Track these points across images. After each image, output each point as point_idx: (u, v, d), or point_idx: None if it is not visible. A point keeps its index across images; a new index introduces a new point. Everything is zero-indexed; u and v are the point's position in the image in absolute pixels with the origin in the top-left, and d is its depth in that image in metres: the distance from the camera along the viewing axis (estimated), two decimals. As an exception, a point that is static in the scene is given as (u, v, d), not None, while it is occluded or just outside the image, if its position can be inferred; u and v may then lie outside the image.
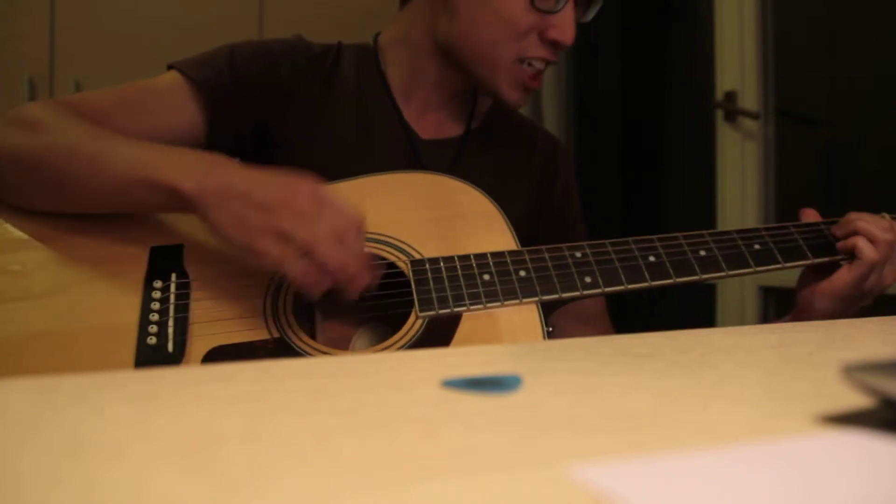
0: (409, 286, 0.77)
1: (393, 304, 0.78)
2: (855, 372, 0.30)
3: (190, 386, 0.39)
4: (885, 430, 0.29)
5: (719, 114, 1.99)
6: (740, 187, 1.94)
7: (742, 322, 1.83)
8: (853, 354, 0.46)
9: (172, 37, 1.97)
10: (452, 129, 0.98)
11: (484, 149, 0.99)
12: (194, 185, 0.70)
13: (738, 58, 1.95)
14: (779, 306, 1.83)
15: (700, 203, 2.14)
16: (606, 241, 0.82)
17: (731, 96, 1.96)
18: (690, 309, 2.09)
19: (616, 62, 2.60)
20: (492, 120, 1.02)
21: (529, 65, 0.89)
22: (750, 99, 1.93)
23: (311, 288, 0.70)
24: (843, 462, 0.26)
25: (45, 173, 0.75)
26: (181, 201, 0.71)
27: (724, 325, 1.86)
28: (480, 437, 0.29)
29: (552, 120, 2.39)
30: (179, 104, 0.88)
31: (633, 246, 0.82)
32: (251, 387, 0.39)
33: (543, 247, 0.80)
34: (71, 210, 0.78)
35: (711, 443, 0.28)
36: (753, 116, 1.91)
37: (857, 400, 0.33)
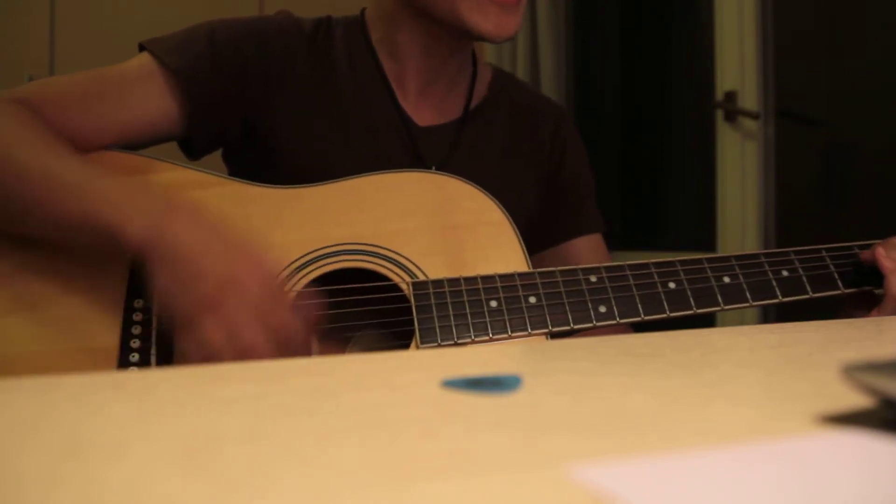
0: (409, 308, 0.72)
1: (391, 334, 0.74)
2: (855, 372, 0.30)
3: (190, 386, 0.39)
4: (885, 430, 0.29)
5: (719, 114, 1.99)
6: (740, 187, 1.94)
7: (742, 322, 1.83)
8: (853, 354, 0.46)
9: (172, 37, 1.97)
10: (452, 112, 0.91)
11: (485, 128, 0.93)
12: (144, 235, 0.63)
13: (738, 58, 1.95)
14: (779, 307, 1.82)
15: (700, 203, 2.14)
16: (625, 265, 0.76)
17: (731, 96, 1.96)
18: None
19: (616, 62, 2.61)
20: (494, 95, 0.95)
21: None
22: (750, 99, 1.93)
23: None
24: (843, 462, 0.26)
25: None
26: (126, 250, 0.65)
27: (724, 325, 1.86)
28: (480, 437, 0.29)
29: (552, 120, 2.39)
30: (153, 95, 0.79)
31: (652, 270, 0.76)
32: (251, 387, 0.39)
33: (557, 269, 0.75)
34: (17, 233, 0.70)
35: (711, 443, 0.28)
36: (753, 116, 1.91)
37: (857, 400, 0.33)
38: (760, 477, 0.24)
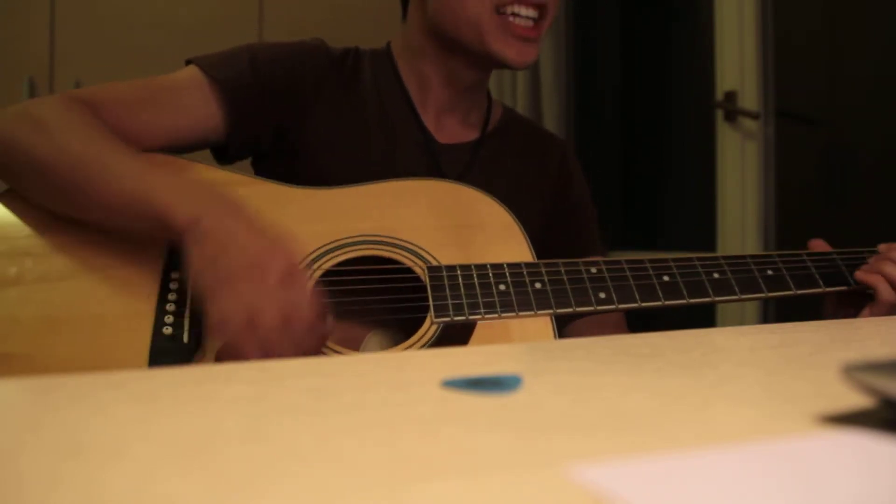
0: (424, 291, 0.77)
1: (407, 308, 0.79)
2: (855, 372, 0.30)
3: (190, 386, 0.39)
4: (885, 430, 0.29)
5: (719, 114, 1.99)
6: (740, 187, 1.94)
7: (742, 322, 1.83)
8: (853, 354, 0.46)
9: (172, 37, 1.97)
10: (469, 135, 0.99)
11: (499, 153, 1.00)
12: (185, 221, 0.68)
13: (738, 58, 1.95)
14: (779, 307, 1.83)
15: (700, 203, 2.14)
16: (622, 259, 0.82)
17: (731, 96, 1.96)
18: (690, 309, 2.09)
19: (616, 62, 2.60)
20: (506, 125, 1.04)
21: (515, 15, 0.89)
22: (750, 99, 1.93)
23: (232, 352, 0.65)
24: (843, 462, 0.26)
25: (51, 179, 0.74)
26: (170, 233, 0.69)
27: (724, 325, 1.86)
28: (480, 437, 0.29)
29: (552, 120, 2.40)
30: (199, 102, 0.87)
31: (647, 265, 0.82)
32: (251, 387, 0.39)
33: (559, 260, 0.81)
34: (69, 216, 0.76)
35: (711, 443, 0.28)
36: (753, 116, 1.91)
37: (857, 400, 0.33)
38: (760, 477, 0.24)
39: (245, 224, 0.69)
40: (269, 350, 0.64)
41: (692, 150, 2.30)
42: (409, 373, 0.44)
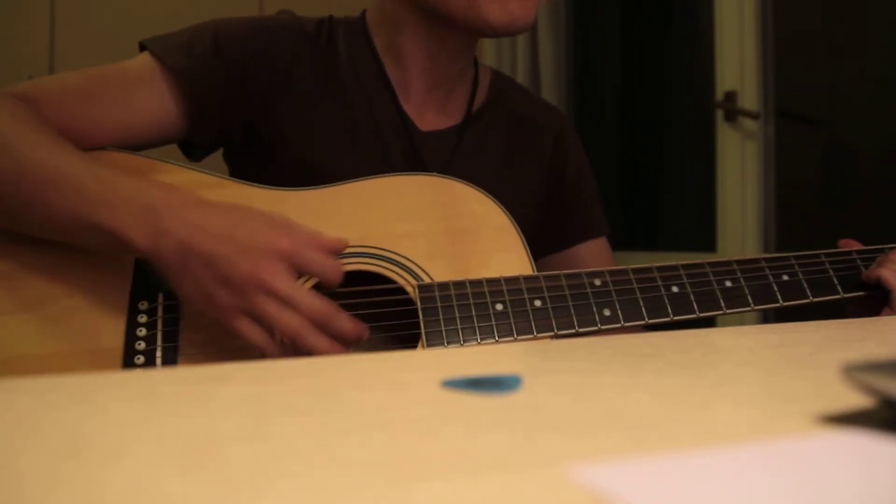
0: (414, 308, 0.72)
1: (397, 338, 0.75)
2: (855, 372, 0.30)
3: (190, 386, 0.39)
4: (885, 430, 0.29)
5: (719, 114, 1.99)
6: (740, 187, 1.94)
7: (743, 322, 1.83)
8: (853, 354, 0.46)
9: (172, 37, 1.97)
10: (454, 116, 0.91)
11: (486, 132, 0.92)
12: (149, 242, 0.63)
13: (738, 58, 1.95)
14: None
15: (700, 203, 2.14)
16: (629, 269, 0.77)
17: (731, 96, 1.96)
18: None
19: (616, 62, 2.61)
20: (494, 100, 0.95)
21: None
22: (750, 99, 1.93)
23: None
24: (843, 462, 0.26)
25: None
26: (132, 253, 0.65)
27: (725, 325, 1.86)
28: (480, 437, 0.29)
29: (552, 120, 2.40)
30: (155, 98, 0.78)
31: (656, 275, 0.77)
32: (251, 387, 0.39)
33: (561, 273, 0.75)
34: (19, 231, 0.70)
35: (711, 443, 0.28)
36: (753, 116, 1.91)
37: (857, 400, 0.33)
38: (760, 477, 0.24)
39: (217, 229, 0.63)
40: (321, 352, 0.63)
41: (692, 150, 2.30)
42: (409, 373, 0.44)
